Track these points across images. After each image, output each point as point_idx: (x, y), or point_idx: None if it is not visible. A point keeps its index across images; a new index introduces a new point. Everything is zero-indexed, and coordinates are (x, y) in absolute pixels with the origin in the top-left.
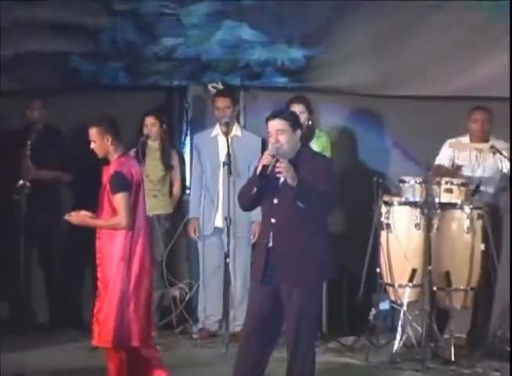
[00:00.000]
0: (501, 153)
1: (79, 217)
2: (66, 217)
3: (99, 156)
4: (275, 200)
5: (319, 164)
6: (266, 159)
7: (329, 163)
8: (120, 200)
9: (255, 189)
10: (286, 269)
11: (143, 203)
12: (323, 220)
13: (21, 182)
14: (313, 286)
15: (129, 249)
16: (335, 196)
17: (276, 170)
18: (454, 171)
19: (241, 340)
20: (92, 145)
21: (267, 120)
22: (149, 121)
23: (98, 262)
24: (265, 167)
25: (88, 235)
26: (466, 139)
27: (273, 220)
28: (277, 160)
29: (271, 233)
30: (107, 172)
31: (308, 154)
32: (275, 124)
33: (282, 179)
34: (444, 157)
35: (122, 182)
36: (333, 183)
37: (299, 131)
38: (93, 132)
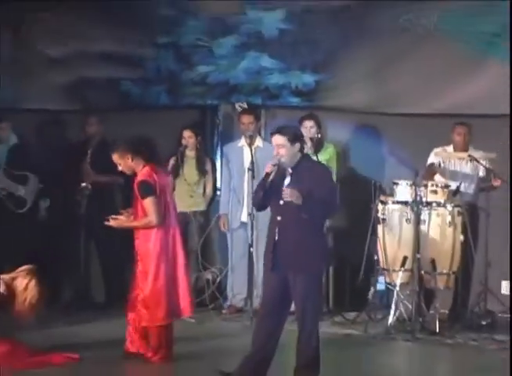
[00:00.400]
0: (478, 161)
1: (117, 221)
2: (107, 223)
3: (127, 173)
4: (281, 202)
5: (319, 173)
6: (269, 168)
7: (328, 171)
8: (148, 203)
9: (261, 192)
10: (290, 259)
11: (172, 203)
12: (323, 219)
13: (83, 184)
14: (314, 273)
15: (165, 244)
16: (336, 202)
17: (283, 196)
18: (436, 169)
19: (258, 316)
20: (119, 167)
21: (271, 135)
22: (187, 134)
23: (138, 258)
24: (267, 174)
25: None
26: (450, 149)
27: (279, 218)
28: (279, 168)
29: (277, 229)
30: (138, 178)
31: (308, 163)
32: (276, 139)
33: (286, 184)
34: (432, 161)
35: (147, 189)
36: (334, 191)
37: (297, 144)
38: (115, 158)
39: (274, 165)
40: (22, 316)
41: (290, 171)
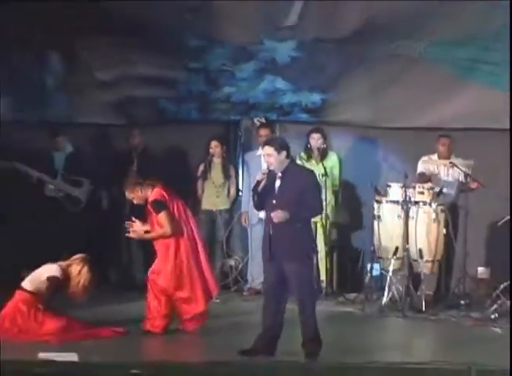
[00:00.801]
0: (458, 167)
1: (136, 233)
2: (128, 234)
3: (141, 203)
4: (274, 201)
5: (305, 178)
6: (259, 177)
7: (313, 175)
8: (162, 217)
9: (256, 196)
10: (283, 250)
11: (186, 211)
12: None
13: None
14: (304, 260)
15: (185, 246)
16: (321, 203)
17: (273, 219)
18: (428, 176)
19: (263, 301)
20: (135, 201)
21: (262, 147)
22: (214, 144)
23: (158, 256)
24: (258, 182)
25: None
26: (434, 157)
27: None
28: (270, 174)
29: (271, 225)
30: (149, 201)
31: (295, 168)
32: (265, 150)
33: (277, 185)
34: (421, 169)
35: (160, 205)
36: (319, 193)
37: (284, 153)
38: (127, 194)
39: (264, 174)
40: (75, 297)
41: (279, 175)
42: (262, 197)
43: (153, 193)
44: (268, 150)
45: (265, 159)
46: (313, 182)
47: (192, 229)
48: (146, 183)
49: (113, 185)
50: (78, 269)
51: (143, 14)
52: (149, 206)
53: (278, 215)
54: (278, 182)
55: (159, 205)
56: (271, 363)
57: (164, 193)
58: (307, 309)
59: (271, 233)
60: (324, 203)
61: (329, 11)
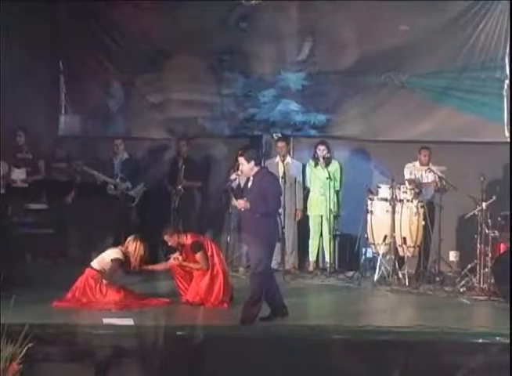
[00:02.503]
0: (435, 173)
1: (178, 262)
2: (171, 261)
3: (176, 246)
4: (245, 198)
5: (269, 182)
6: (233, 176)
7: (275, 179)
8: (199, 256)
9: (230, 191)
10: (245, 234)
11: (214, 247)
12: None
13: (179, 187)
14: (256, 244)
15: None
16: (278, 202)
17: (238, 207)
18: (415, 182)
19: None
20: (169, 244)
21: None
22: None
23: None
24: (231, 180)
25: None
26: (417, 164)
27: (242, 209)
28: (242, 176)
29: (240, 214)
30: (187, 242)
31: (263, 173)
32: (239, 160)
33: (249, 185)
34: (407, 174)
35: (198, 246)
36: (277, 194)
37: (252, 162)
38: (166, 238)
39: (237, 175)
40: (137, 268)
41: (251, 178)
42: (236, 193)
43: (189, 238)
44: (241, 159)
45: (240, 167)
46: (274, 184)
47: (220, 258)
48: (181, 231)
49: (162, 184)
50: (134, 246)
51: (187, 53)
52: (188, 248)
53: (240, 203)
54: (250, 183)
55: (197, 246)
56: (283, 326)
57: (201, 237)
58: (251, 281)
59: (240, 221)
60: (329, 201)
61: (331, 49)
